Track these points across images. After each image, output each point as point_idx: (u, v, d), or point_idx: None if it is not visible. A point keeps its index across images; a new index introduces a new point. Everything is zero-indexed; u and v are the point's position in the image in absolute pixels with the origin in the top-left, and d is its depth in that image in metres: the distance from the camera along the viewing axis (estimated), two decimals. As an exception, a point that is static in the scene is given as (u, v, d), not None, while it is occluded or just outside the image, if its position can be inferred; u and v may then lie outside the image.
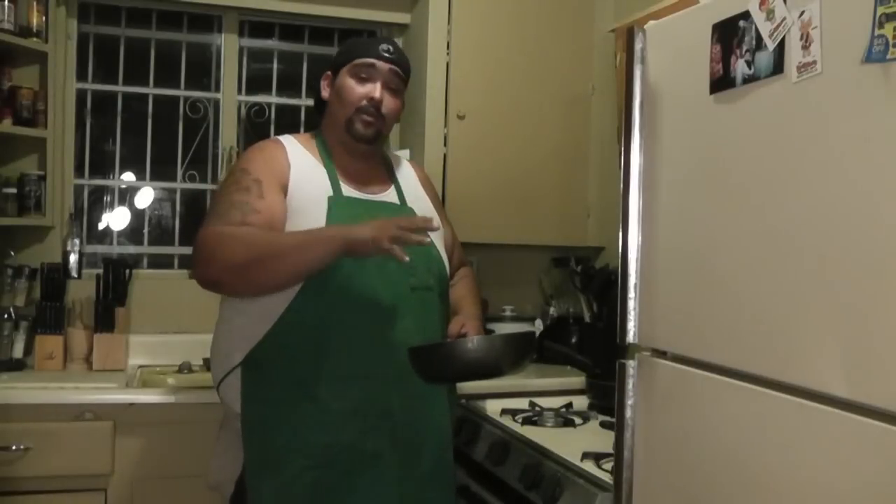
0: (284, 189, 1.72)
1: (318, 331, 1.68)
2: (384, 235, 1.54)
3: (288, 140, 1.85)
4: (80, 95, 2.76)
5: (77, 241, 2.61)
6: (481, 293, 2.09)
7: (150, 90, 2.85)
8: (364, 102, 1.79)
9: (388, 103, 1.82)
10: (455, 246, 2.05)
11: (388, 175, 1.92)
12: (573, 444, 1.83)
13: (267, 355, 1.69)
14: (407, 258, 1.54)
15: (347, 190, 1.80)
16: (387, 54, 1.81)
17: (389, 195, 1.88)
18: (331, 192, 1.76)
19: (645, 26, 1.48)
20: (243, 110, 2.93)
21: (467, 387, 2.23)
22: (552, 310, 2.92)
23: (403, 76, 1.85)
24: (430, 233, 1.85)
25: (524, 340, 1.79)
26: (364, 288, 1.70)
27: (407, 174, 1.98)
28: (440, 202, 2.07)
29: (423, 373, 1.71)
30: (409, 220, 1.65)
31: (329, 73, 1.88)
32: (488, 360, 1.71)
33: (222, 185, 1.79)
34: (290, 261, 1.61)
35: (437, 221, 1.66)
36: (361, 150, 1.84)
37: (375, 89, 1.79)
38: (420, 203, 1.92)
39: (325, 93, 1.87)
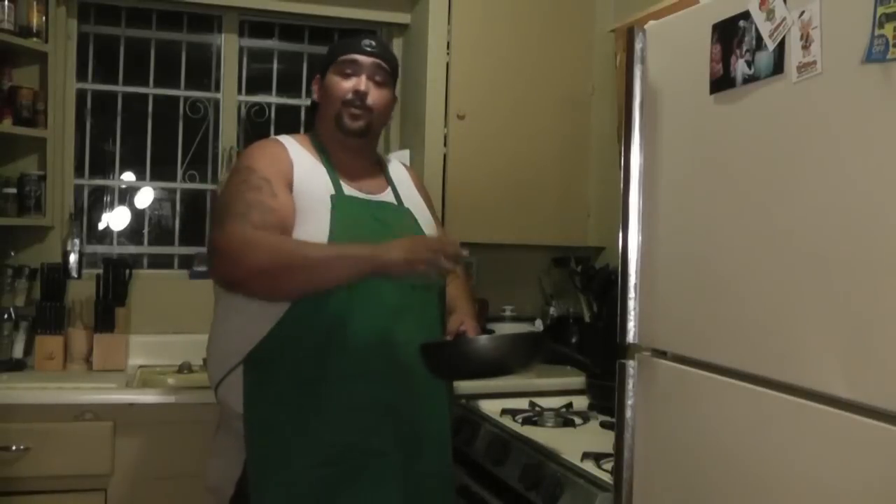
0: (290, 187, 1.73)
1: (321, 329, 1.67)
2: (418, 259, 1.55)
3: (287, 140, 1.85)
4: (80, 95, 2.76)
5: (77, 241, 2.61)
6: (477, 293, 2.10)
7: (150, 90, 2.86)
8: (350, 96, 1.81)
9: (375, 95, 1.83)
10: None
11: (384, 176, 1.94)
12: (573, 444, 1.83)
13: (269, 354, 1.68)
14: (438, 279, 1.53)
15: (348, 189, 1.81)
16: (368, 48, 1.83)
17: (387, 195, 1.89)
18: (333, 191, 1.77)
19: (645, 26, 1.48)
20: (243, 110, 2.93)
21: (467, 387, 2.23)
22: (552, 310, 2.92)
23: (388, 69, 1.86)
24: (425, 230, 1.87)
25: (536, 340, 1.88)
26: (368, 286, 1.69)
27: (401, 175, 1.99)
28: (433, 203, 2.08)
29: (435, 369, 1.73)
30: (438, 241, 1.62)
31: (318, 75, 1.90)
32: (502, 358, 1.74)
33: (229, 184, 1.77)
34: (316, 274, 1.62)
35: (465, 250, 1.64)
36: (353, 145, 1.85)
37: (360, 82, 1.81)
38: (415, 205, 1.94)
39: (316, 94, 1.91)
